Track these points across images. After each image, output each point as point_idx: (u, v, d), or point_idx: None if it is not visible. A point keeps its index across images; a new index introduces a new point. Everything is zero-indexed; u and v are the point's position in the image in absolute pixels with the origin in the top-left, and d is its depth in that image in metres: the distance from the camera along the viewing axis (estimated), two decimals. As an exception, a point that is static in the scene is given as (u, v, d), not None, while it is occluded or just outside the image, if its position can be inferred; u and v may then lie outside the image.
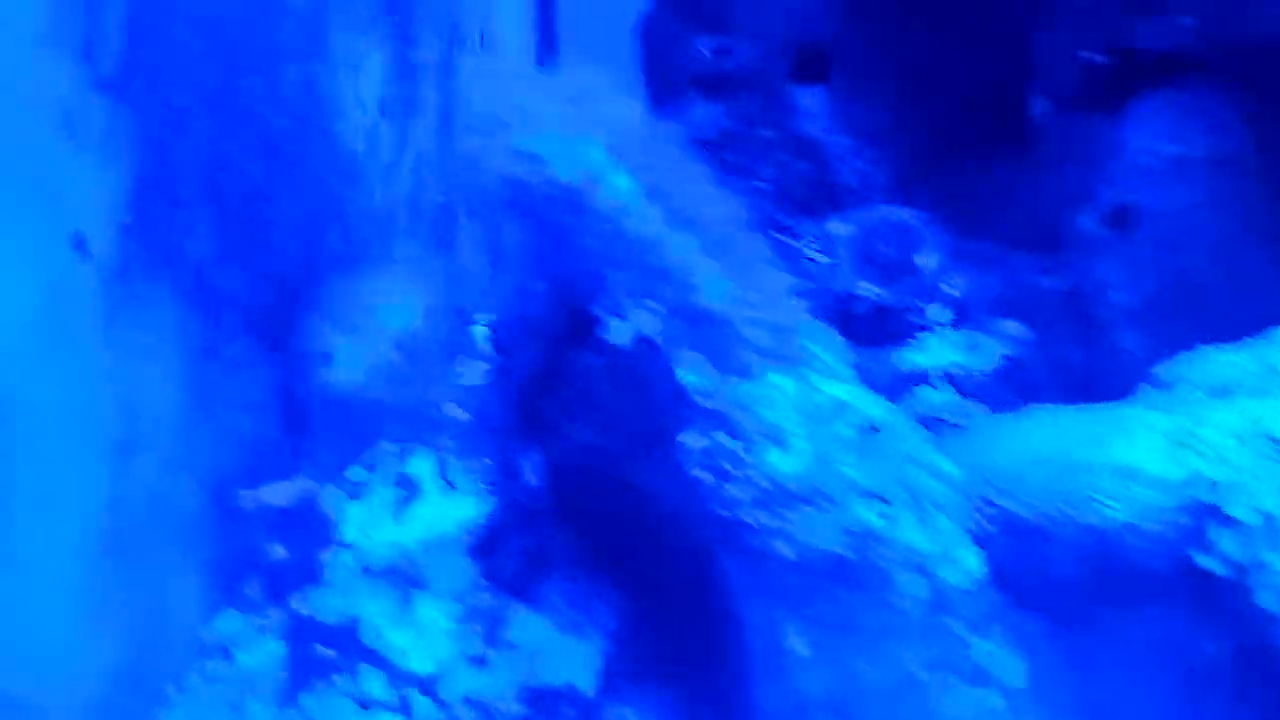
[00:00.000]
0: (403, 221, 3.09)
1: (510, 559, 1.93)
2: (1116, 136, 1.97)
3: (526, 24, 4.43)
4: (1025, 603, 1.61)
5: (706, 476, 1.44)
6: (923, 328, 1.87)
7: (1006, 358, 1.83)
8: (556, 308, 1.71)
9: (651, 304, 1.60)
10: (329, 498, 2.04)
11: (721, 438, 1.43)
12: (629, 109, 1.54)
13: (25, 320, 1.43)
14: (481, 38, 3.79)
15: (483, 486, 2.11)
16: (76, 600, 1.58)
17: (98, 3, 1.54)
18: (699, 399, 1.45)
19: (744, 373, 1.51)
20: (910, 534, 1.49)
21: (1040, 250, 2.07)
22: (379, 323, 1.32)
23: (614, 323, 1.65)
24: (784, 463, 1.44)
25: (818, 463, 1.46)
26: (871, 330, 1.87)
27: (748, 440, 1.44)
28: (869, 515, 1.45)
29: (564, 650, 1.83)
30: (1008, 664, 1.61)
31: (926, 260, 1.81)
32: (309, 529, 2.01)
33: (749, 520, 1.43)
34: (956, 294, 1.89)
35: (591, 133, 1.37)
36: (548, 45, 4.58)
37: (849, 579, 1.46)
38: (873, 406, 1.59)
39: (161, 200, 1.78)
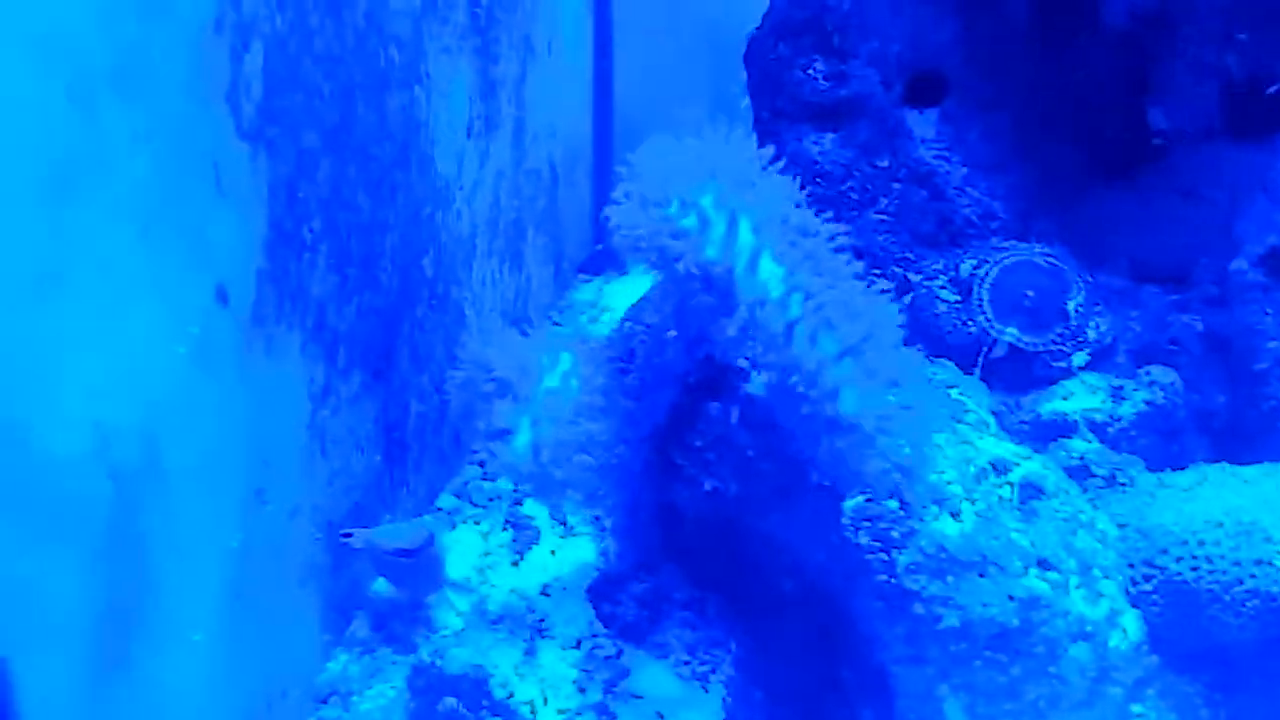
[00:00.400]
0: (483, 241, 3.08)
1: (629, 604, 1.90)
2: (1262, 168, 1.89)
3: (587, 30, 4.40)
4: (1184, 666, 1.55)
5: (871, 543, 1.39)
6: (1064, 373, 1.81)
7: (1151, 404, 1.76)
8: (692, 354, 1.67)
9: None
10: (442, 539, 2.02)
11: (889, 503, 1.38)
12: (742, 151, 1.43)
13: (174, 378, 1.41)
14: (549, 46, 3.76)
15: (600, 529, 2.08)
16: (213, 658, 1.57)
17: (240, 49, 1.52)
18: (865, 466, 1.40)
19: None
20: (1078, 601, 1.44)
21: (1174, 286, 2.00)
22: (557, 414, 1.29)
23: (755, 374, 1.60)
24: (950, 528, 1.39)
25: (983, 527, 1.41)
26: (1010, 376, 1.81)
27: (913, 505, 1.39)
28: (1037, 583, 1.40)
29: (687, 700, 1.79)
30: (1165, 729, 1.56)
31: (1076, 306, 1.75)
32: (424, 573, 1.99)
33: (914, 588, 1.38)
34: (1098, 337, 1.82)
35: (735, 197, 1.31)
36: (603, 52, 4.54)
37: (1015, 647, 1.41)
38: (1030, 463, 1.54)
39: (290, 243, 1.76)
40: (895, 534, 1.39)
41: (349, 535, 1.96)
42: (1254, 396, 1.80)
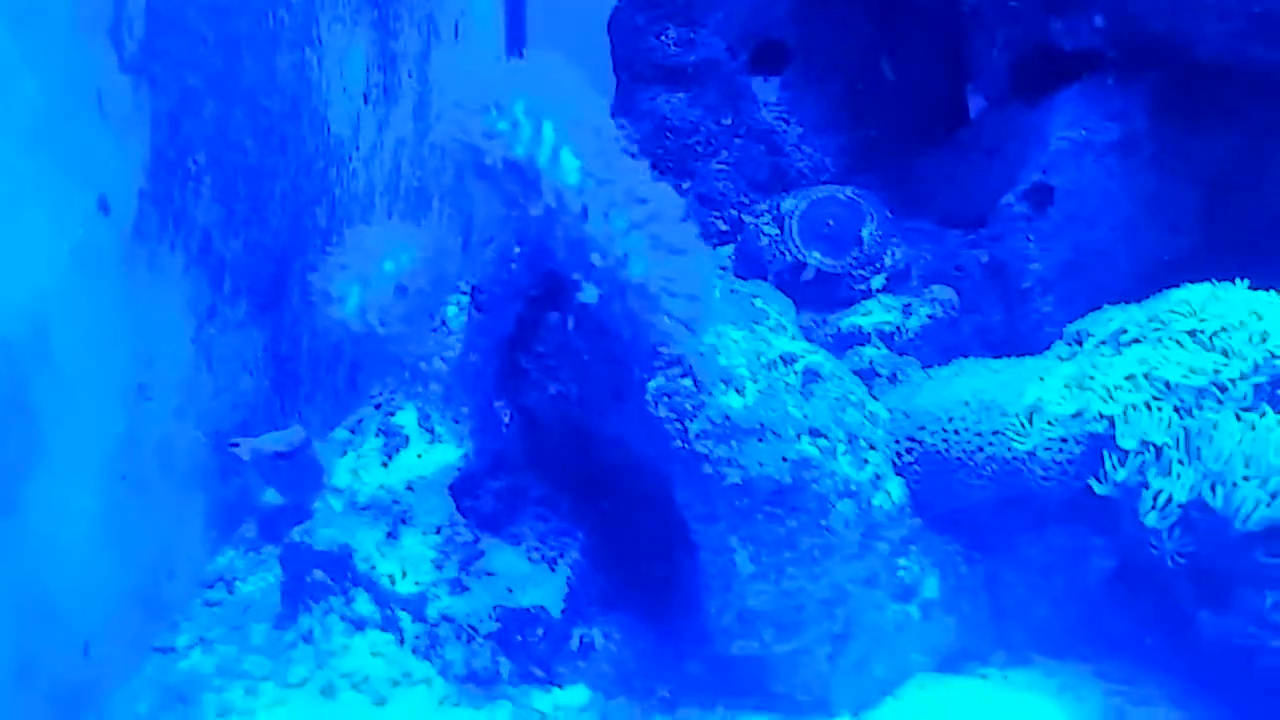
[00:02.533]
0: (383, 202, 3.29)
1: (487, 499, 2.13)
2: (1038, 125, 2.19)
3: (498, 18, 4.62)
4: (941, 527, 1.83)
5: (668, 415, 1.64)
6: (864, 294, 2.08)
7: (933, 318, 2.05)
8: (534, 270, 1.90)
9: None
10: (322, 448, 2.23)
11: (682, 382, 1.63)
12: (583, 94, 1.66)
13: (59, 271, 1.60)
14: (456, 29, 3.98)
15: (462, 435, 2.30)
16: (97, 527, 1.76)
17: (123, -12, 1.72)
18: (662, 349, 1.65)
19: (700, 328, 1.71)
20: (844, 465, 1.70)
21: (971, 228, 2.29)
22: (384, 271, 1.50)
23: (587, 286, 1.84)
24: (735, 401, 1.65)
25: (764, 401, 1.67)
26: (818, 296, 2.09)
27: (704, 383, 1.64)
28: (808, 448, 1.66)
29: (534, 578, 2.02)
30: (925, 580, 1.84)
31: (869, 232, 2.03)
32: (302, 476, 2.20)
33: (704, 451, 1.63)
34: (893, 263, 2.10)
35: (542, 106, 1.54)
36: (516, 37, 4.78)
37: (790, 503, 1.67)
38: (814, 356, 1.80)
39: (173, 170, 1.96)
40: (688, 406, 1.64)
41: (235, 445, 2.16)
42: (1022, 312, 2.10)
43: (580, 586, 2.06)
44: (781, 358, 1.75)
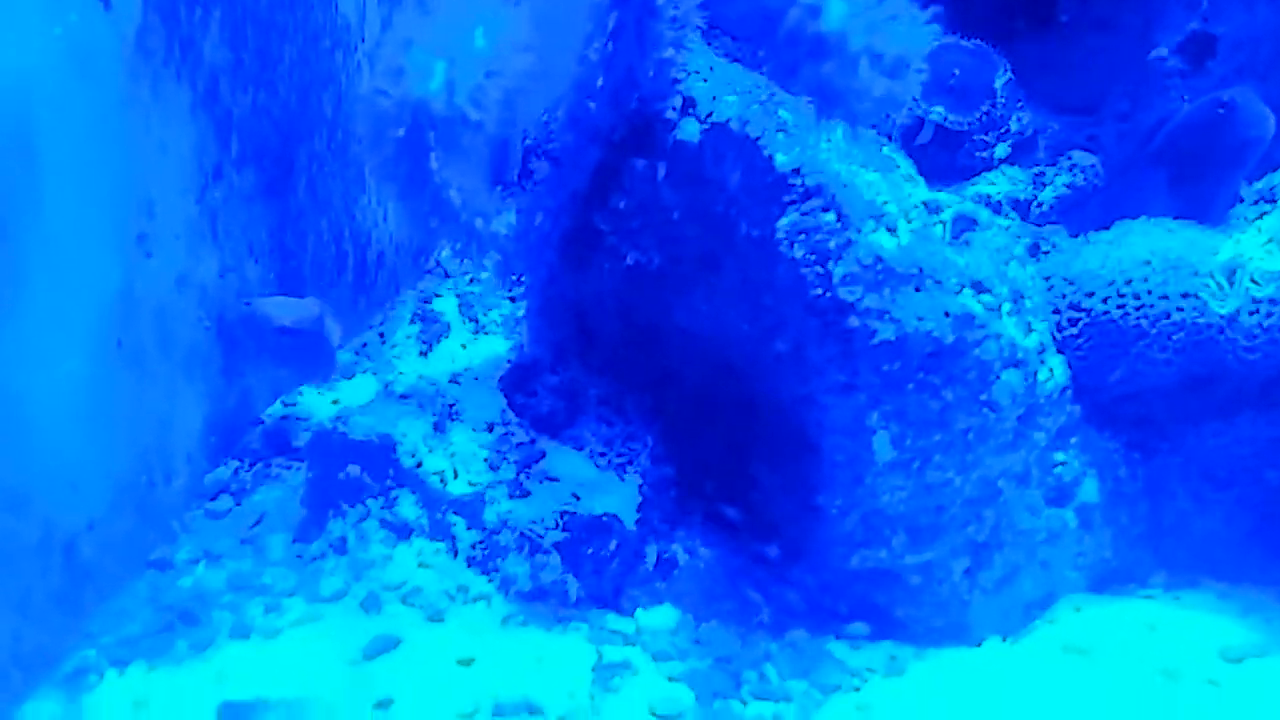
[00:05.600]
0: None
1: (544, 396, 1.81)
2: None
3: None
4: (1107, 416, 1.54)
5: (806, 256, 1.33)
6: (986, 165, 1.79)
7: (1073, 188, 1.76)
8: (620, 108, 1.59)
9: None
10: (335, 330, 1.89)
11: (825, 216, 1.32)
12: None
13: (46, 56, 1.27)
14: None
15: (512, 321, 1.98)
16: (85, 398, 1.42)
17: None
18: (796, 179, 1.34)
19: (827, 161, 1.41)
20: (1010, 326, 1.41)
21: (1088, 114, 2.00)
22: (475, 46, 1.17)
23: (686, 121, 1.53)
24: (889, 241, 1.34)
25: (920, 243, 1.37)
26: (934, 163, 1.79)
27: (851, 218, 1.33)
28: (972, 302, 1.37)
29: (603, 484, 1.71)
30: (1084, 481, 1.55)
31: (1003, 85, 1.73)
32: (312, 355, 1.86)
33: (850, 299, 1.33)
34: (1019, 129, 1.81)
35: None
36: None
37: (948, 369, 1.37)
38: (963, 204, 1.51)
39: (180, -19, 1.63)
40: (832, 244, 1.33)
41: (249, 304, 1.81)
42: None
43: (654, 496, 1.75)
44: (925, 204, 1.45)
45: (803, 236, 1.34)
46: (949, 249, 1.38)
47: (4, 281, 1.21)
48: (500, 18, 1.21)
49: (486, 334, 1.90)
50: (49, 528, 1.34)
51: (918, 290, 1.33)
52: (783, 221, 1.35)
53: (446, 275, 2.40)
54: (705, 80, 1.54)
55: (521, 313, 1.81)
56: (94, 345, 1.42)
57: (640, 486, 1.72)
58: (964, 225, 1.43)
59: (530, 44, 1.24)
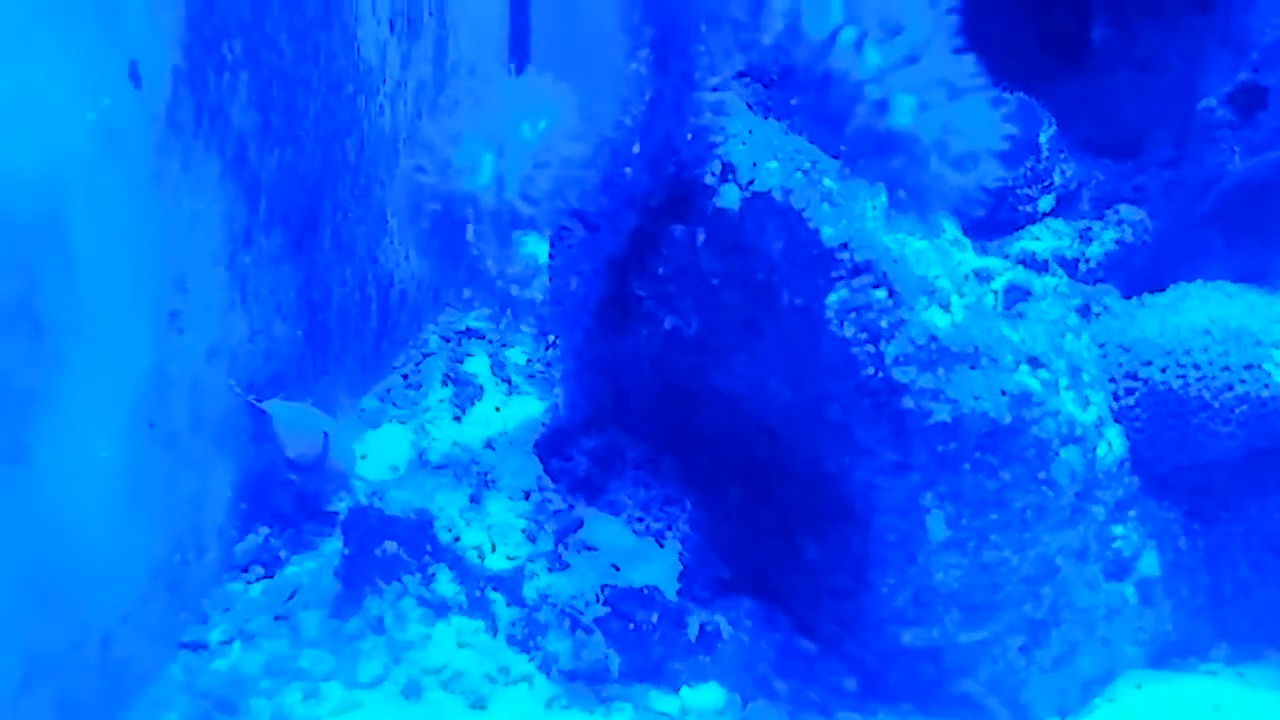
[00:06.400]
0: (406, 150, 2.92)
1: (580, 460, 1.77)
2: (1224, 24, 1.87)
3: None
4: (1165, 486, 1.50)
5: (856, 335, 1.29)
6: (1029, 218, 1.75)
7: (1121, 243, 1.71)
8: (657, 173, 1.55)
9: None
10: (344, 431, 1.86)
11: (876, 294, 1.28)
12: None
13: (79, 142, 1.24)
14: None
15: (545, 384, 1.95)
16: (119, 485, 1.39)
17: None
18: (844, 253, 1.30)
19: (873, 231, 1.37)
20: (1068, 402, 1.36)
21: (1130, 158, 1.96)
22: (521, 136, 1.14)
23: (725, 188, 1.50)
24: (942, 319, 1.30)
25: (974, 319, 1.32)
26: (976, 222, 1.74)
27: (903, 295, 1.29)
28: (1029, 379, 1.32)
29: (642, 553, 1.67)
30: (1143, 554, 1.50)
31: (1048, 138, 1.69)
32: (323, 481, 1.83)
33: (904, 380, 1.29)
34: (1063, 182, 1.77)
35: None
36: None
37: (1005, 448, 1.32)
38: (1013, 271, 1.46)
39: (209, 53, 1.60)
40: (884, 324, 1.29)
41: (259, 401, 1.79)
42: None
43: (695, 565, 1.71)
44: (975, 273, 1.41)
45: (853, 314, 1.30)
46: (1003, 323, 1.34)
47: (42, 374, 1.18)
48: (549, 105, 1.18)
49: (520, 394, 1.86)
50: (87, 626, 1.31)
51: (973, 369, 1.29)
52: (831, 298, 1.31)
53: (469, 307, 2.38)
54: (744, 144, 1.51)
55: (558, 375, 1.78)
56: (127, 429, 1.39)
57: (680, 554, 1.68)
58: (1017, 295, 1.39)
59: (580, 133, 1.20)
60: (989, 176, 1.03)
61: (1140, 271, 1.71)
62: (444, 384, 1.86)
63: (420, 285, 2.79)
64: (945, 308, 1.31)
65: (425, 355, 1.95)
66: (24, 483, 1.15)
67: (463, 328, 2.39)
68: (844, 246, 1.32)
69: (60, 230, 1.19)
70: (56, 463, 1.21)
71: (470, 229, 1.38)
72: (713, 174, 1.51)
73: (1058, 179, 1.77)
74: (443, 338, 2.33)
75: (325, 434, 1.81)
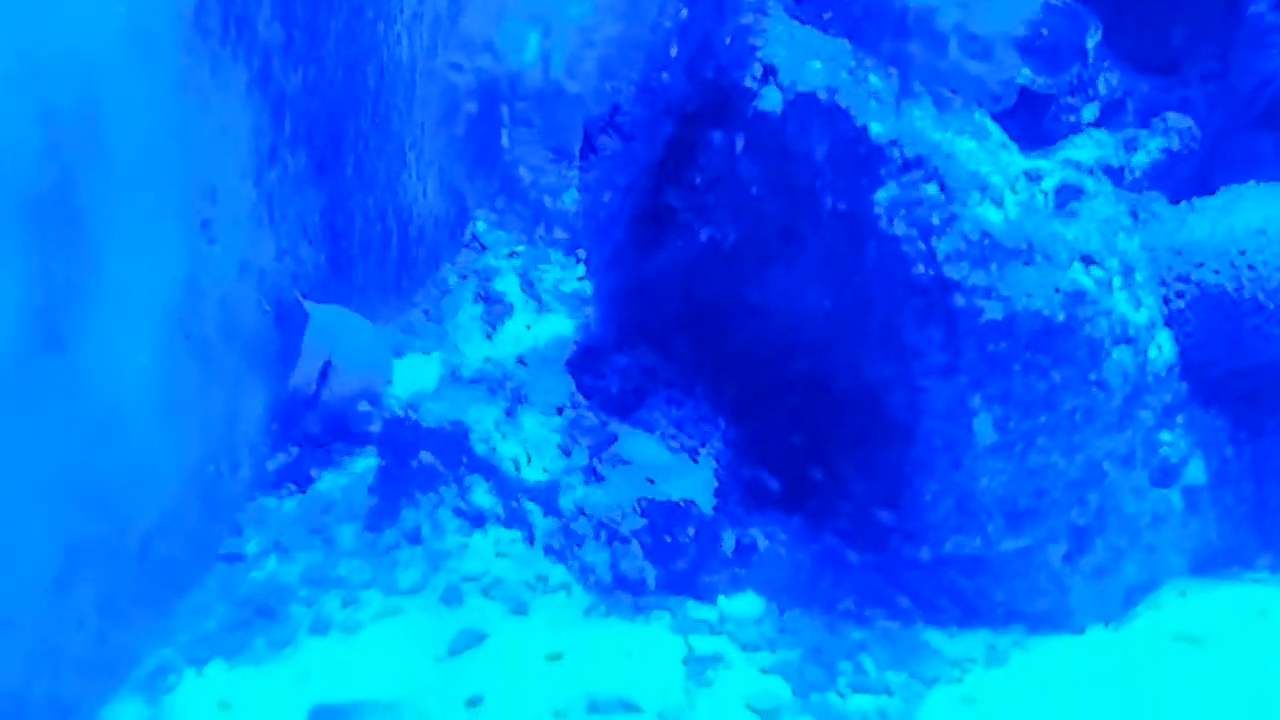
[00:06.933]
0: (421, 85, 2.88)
1: (613, 378, 1.75)
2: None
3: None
4: (1213, 393, 1.47)
5: (908, 232, 1.26)
6: (1073, 128, 1.70)
7: (1169, 152, 1.67)
8: (695, 78, 1.51)
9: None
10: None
11: (927, 189, 1.25)
12: None
13: (110, 38, 1.21)
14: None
15: (576, 301, 1.93)
16: (156, 392, 1.37)
17: None
18: (894, 149, 1.27)
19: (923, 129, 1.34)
20: (1121, 302, 1.34)
21: (1173, 74, 1.91)
22: (568, 15, 1.11)
23: (767, 90, 1.46)
24: (995, 214, 1.27)
25: (1028, 215, 1.29)
26: (1017, 129, 1.70)
27: (955, 190, 1.26)
28: (1083, 277, 1.29)
29: (676, 468, 1.66)
30: (1190, 461, 1.48)
31: (1095, 44, 1.65)
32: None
33: (955, 277, 1.26)
34: (1108, 91, 1.72)
35: None
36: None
37: (1057, 348, 1.30)
38: (1064, 171, 1.43)
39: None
40: (935, 219, 1.26)
41: (304, 296, 1.77)
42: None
43: (729, 480, 1.69)
44: (1025, 174, 1.37)
45: (903, 211, 1.27)
46: (1057, 221, 1.31)
47: (82, 272, 1.16)
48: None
49: (550, 312, 1.84)
50: (126, 526, 1.29)
51: (1026, 265, 1.26)
52: (880, 195, 1.28)
53: (483, 248, 2.35)
54: (785, 46, 1.47)
55: (589, 292, 1.75)
56: (163, 337, 1.38)
57: (714, 470, 1.67)
58: (1069, 194, 1.36)
59: (623, 10, 1.17)
60: (1008, 66, 1.00)
61: (1186, 180, 1.68)
62: (474, 302, 1.84)
63: (438, 222, 2.76)
64: (998, 203, 1.28)
65: (444, 293, 1.92)
66: (62, 372, 1.14)
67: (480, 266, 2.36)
68: (893, 143, 1.29)
69: (93, 121, 1.17)
70: (94, 357, 1.19)
71: (505, 134, 1.35)
72: (754, 77, 1.47)
73: (1102, 88, 1.73)
74: (460, 275, 2.30)
75: (326, 364, 1.79)
